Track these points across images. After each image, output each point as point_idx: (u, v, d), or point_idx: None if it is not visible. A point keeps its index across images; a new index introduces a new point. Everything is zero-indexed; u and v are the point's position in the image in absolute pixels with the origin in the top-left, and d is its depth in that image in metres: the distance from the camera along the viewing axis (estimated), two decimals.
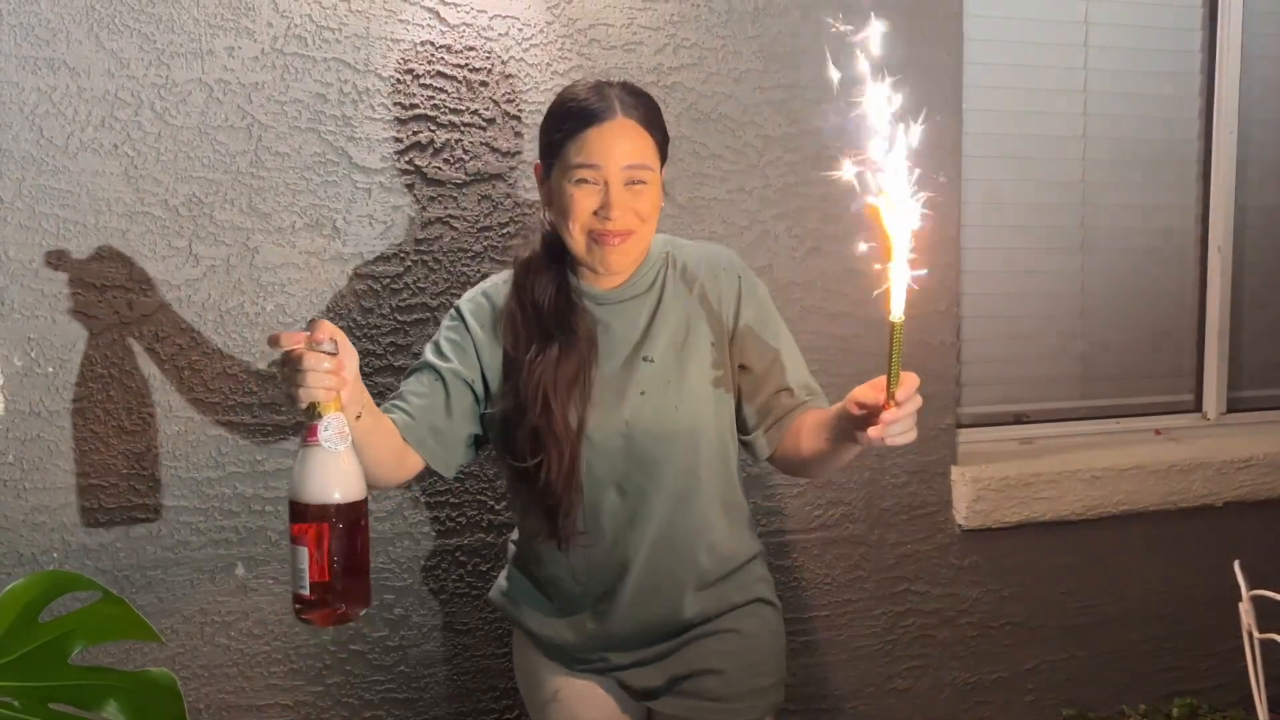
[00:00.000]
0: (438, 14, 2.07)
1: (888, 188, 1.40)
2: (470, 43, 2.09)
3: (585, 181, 1.58)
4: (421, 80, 2.07)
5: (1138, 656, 2.79)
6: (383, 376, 2.10)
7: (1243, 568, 1.96)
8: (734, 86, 2.27)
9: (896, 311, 1.37)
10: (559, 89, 2.12)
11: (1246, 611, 1.93)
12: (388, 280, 2.09)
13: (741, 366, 1.72)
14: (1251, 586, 1.93)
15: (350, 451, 1.37)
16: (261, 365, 2.04)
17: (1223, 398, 2.94)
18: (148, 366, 1.99)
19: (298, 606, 1.38)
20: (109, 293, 1.95)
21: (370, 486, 1.45)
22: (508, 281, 1.71)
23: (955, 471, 2.55)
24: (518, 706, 2.23)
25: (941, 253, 2.47)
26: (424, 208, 2.10)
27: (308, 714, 2.13)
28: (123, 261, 1.96)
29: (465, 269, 2.13)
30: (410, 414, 1.63)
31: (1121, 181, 2.83)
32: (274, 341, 1.37)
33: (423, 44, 2.07)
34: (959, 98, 2.46)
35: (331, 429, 1.35)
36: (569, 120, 1.60)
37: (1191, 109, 2.87)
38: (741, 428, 1.74)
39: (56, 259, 1.92)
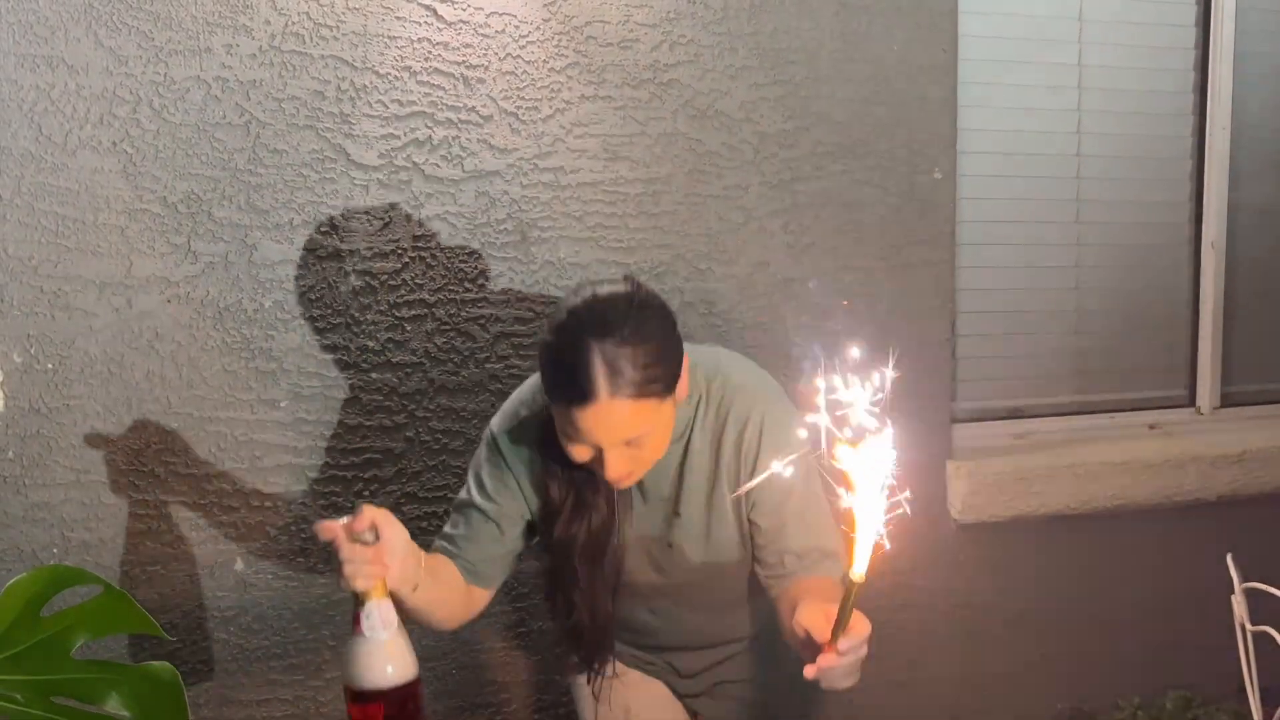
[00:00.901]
0: (435, 11, 2.08)
1: (866, 470, 1.23)
2: (467, 40, 2.10)
3: (580, 441, 1.47)
4: (419, 77, 2.08)
5: (1132, 650, 2.80)
6: (380, 373, 2.11)
7: (1235, 561, 1.98)
8: (730, 83, 2.28)
9: (859, 570, 1.24)
10: (556, 86, 2.15)
11: (1239, 604, 1.95)
12: (385, 277, 2.10)
13: (753, 520, 1.64)
14: (1244, 580, 1.95)
15: (396, 635, 1.36)
16: (260, 362, 2.05)
17: (1216, 392, 2.96)
18: (147, 363, 2.00)
19: None
20: (108, 289, 1.96)
21: (444, 630, 1.60)
22: (546, 407, 1.55)
23: (950, 466, 2.56)
24: (515, 700, 2.25)
25: (936, 248, 2.48)
26: (421, 204, 2.11)
27: (307, 708, 2.14)
28: (121, 258, 1.96)
29: (463, 265, 2.14)
30: (466, 558, 1.64)
31: (1116, 177, 2.84)
32: (317, 530, 1.37)
33: (420, 41, 2.08)
34: (954, 94, 2.47)
35: (374, 616, 1.35)
36: (553, 390, 1.46)
37: (1185, 105, 2.88)
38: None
39: (55, 256, 1.93)
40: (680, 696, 1.88)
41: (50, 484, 1.97)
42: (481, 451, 1.67)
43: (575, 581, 1.64)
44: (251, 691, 2.11)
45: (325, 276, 2.07)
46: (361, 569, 1.33)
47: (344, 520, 1.35)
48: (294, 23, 2.01)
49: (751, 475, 1.59)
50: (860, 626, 1.31)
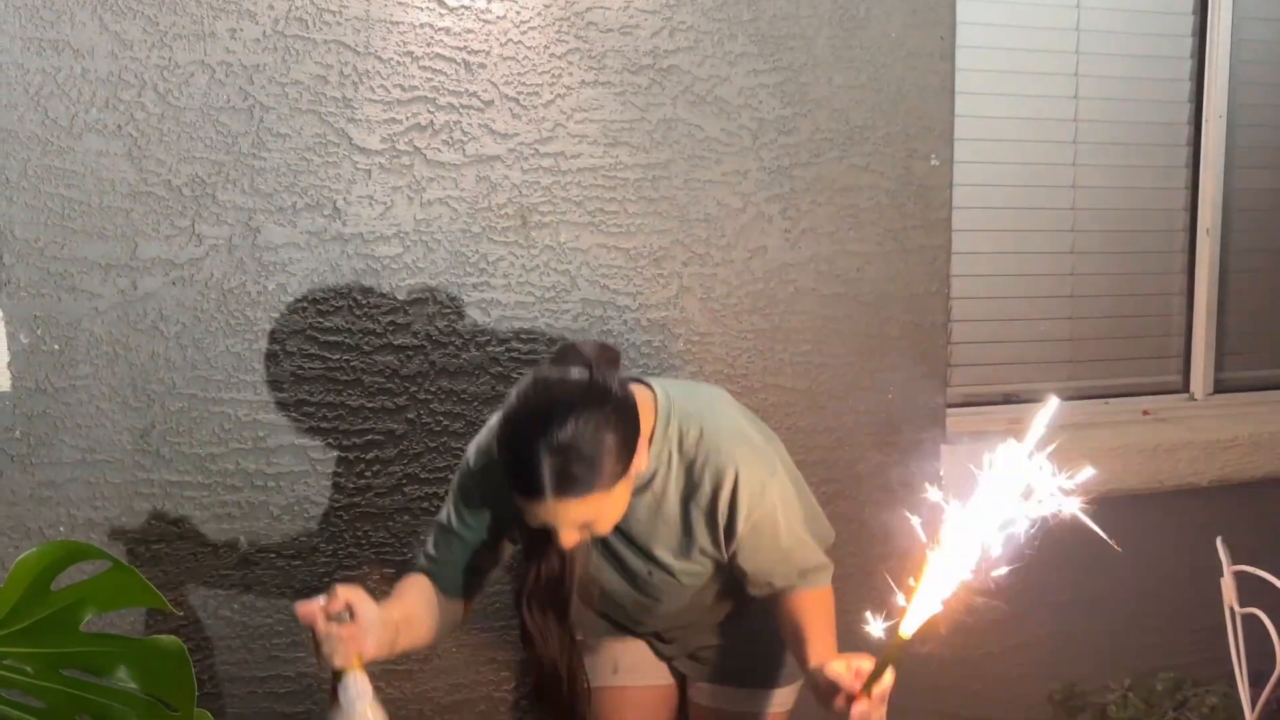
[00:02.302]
0: None
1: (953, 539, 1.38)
2: (469, 25, 2.12)
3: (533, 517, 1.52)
4: (421, 62, 2.10)
5: (1123, 633, 2.83)
6: (382, 355, 2.13)
7: (1226, 545, 2.00)
8: (729, 69, 2.30)
9: (908, 629, 1.35)
10: (557, 71, 2.17)
11: (1228, 587, 1.98)
12: (387, 260, 2.13)
13: (735, 564, 1.70)
14: (1234, 564, 1.98)
15: (371, 705, 1.44)
16: (263, 344, 2.07)
17: (1210, 379, 2.98)
18: (151, 344, 2.02)
19: None
20: (113, 271, 1.98)
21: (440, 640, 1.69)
22: None
23: (945, 450, 2.59)
24: (514, 677, 2.28)
25: (932, 234, 2.50)
26: (423, 189, 2.13)
27: (309, 685, 2.17)
28: (127, 241, 1.99)
29: (464, 249, 2.16)
30: (446, 576, 1.70)
31: (1112, 164, 2.87)
32: (296, 612, 1.45)
33: (422, 26, 2.09)
34: (952, 80, 2.49)
35: (351, 689, 1.43)
36: (506, 474, 1.50)
37: (1182, 93, 2.90)
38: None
39: (61, 238, 1.95)
40: (662, 658, 1.95)
41: (56, 463, 2.00)
42: (458, 477, 1.72)
43: (525, 632, 1.69)
44: (254, 668, 2.14)
45: (328, 259, 2.09)
46: (338, 647, 1.42)
47: (320, 600, 1.43)
48: (297, 7, 2.02)
49: (729, 533, 1.65)
50: (888, 676, 1.41)
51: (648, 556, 1.70)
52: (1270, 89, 2.97)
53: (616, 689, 1.92)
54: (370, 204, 2.10)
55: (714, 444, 1.63)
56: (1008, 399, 2.84)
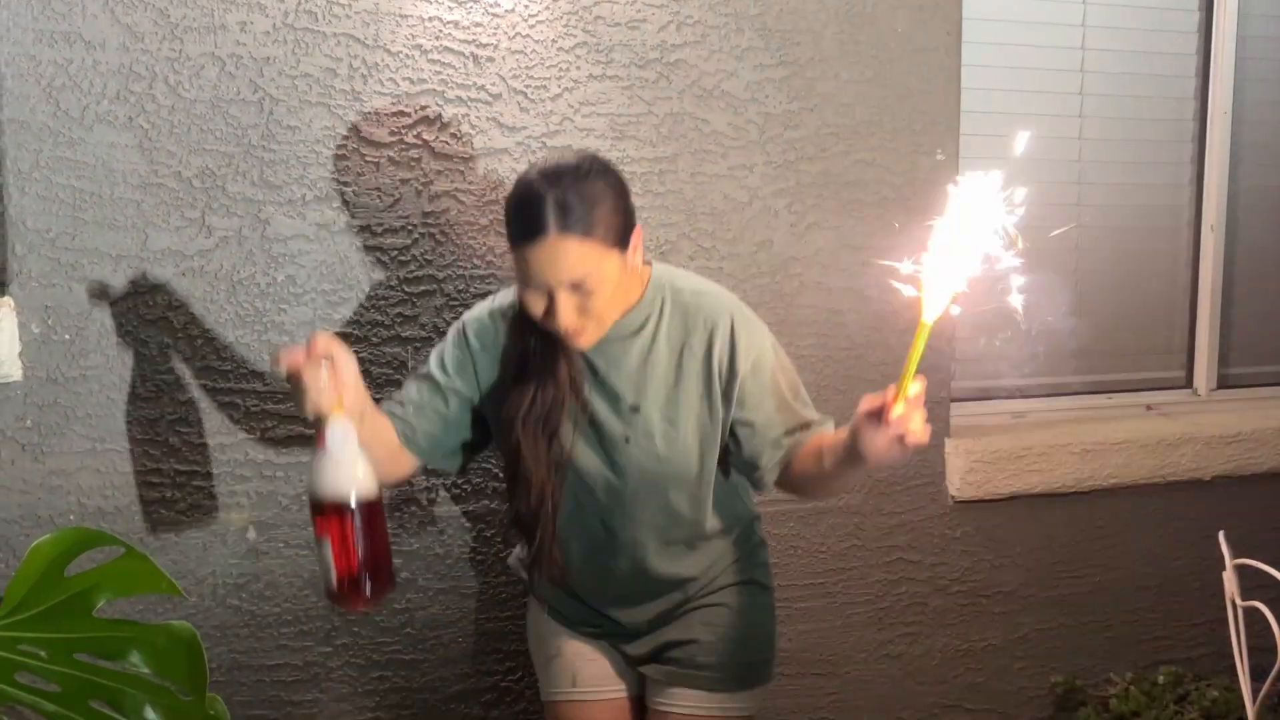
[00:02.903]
0: None
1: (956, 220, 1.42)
2: (477, 19, 2.13)
3: (532, 287, 1.58)
4: (429, 55, 2.11)
5: (1125, 626, 2.85)
6: (390, 346, 2.15)
7: (1227, 540, 2.01)
8: (736, 64, 2.31)
9: (930, 315, 1.38)
10: (564, 65, 2.18)
11: (1230, 580, 1.99)
12: (395, 252, 2.14)
13: (740, 420, 1.71)
14: (1235, 557, 1.99)
15: (359, 451, 1.48)
16: (272, 335, 2.09)
17: (1213, 374, 2.99)
18: (161, 335, 2.03)
19: (329, 598, 1.52)
20: (124, 262, 2.00)
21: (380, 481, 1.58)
22: (514, 305, 1.72)
23: (949, 444, 2.60)
24: (521, 668, 2.29)
25: None
26: (431, 181, 2.14)
27: (317, 674, 2.19)
28: (137, 232, 2.00)
29: (471, 242, 2.17)
30: (409, 421, 1.72)
31: (1117, 160, 2.87)
32: (275, 361, 1.48)
33: (430, 19, 2.11)
34: (958, 75, 2.50)
35: (338, 430, 1.46)
36: (510, 227, 1.59)
37: (1187, 89, 2.91)
38: (743, 468, 1.77)
39: (73, 229, 1.97)
40: (628, 661, 1.88)
41: (67, 452, 2.01)
42: (448, 337, 1.78)
43: (520, 455, 1.68)
44: (262, 656, 2.16)
45: (336, 251, 2.11)
46: (323, 391, 1.45)
47: (301, 347, 1.48)
48: (307, 1, 2.04)
49: (732, 373, 1.68)
50: (917, 384, 1.43)
51: (631, 410, 1.68)
52: (1275, 86, 2.97)
53: (574, 703, 1.88)
54: (379, 196, 2.12)
55: (709, 299, 1.72)
56: (1012, 393, 2.85)
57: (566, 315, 1.57)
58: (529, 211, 1.54)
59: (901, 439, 1.43)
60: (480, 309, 1.78)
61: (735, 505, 1.83)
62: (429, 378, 1.75)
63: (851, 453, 1.52)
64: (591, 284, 1.56)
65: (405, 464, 1.73)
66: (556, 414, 1.68)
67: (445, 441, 1.75)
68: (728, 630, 1.82)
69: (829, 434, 1.67)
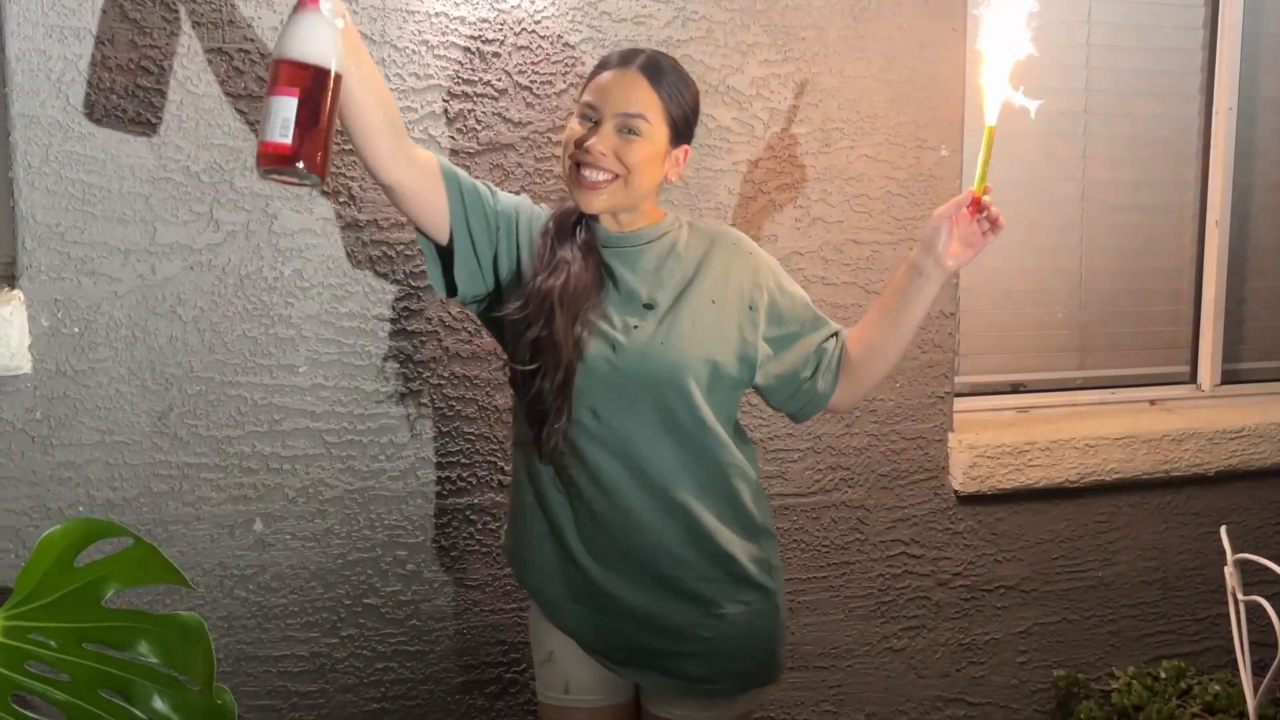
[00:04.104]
0: None
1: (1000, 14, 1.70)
2: (483, 15, 2.14)
3: (585, 117, 1.68)
4: (436, 51, 2.12)
5: (1127, 620, 2.86)
6: (396, 340, 2.16)
7: (1230, 535, 2.02)
8: (741, 59, 2.32)
9: (990, 117, 1.71)
10: (570, 60, 2.20)
11: (1231, 575, 2.00)
12: (401, 247, 2.15)
13: (782, 336, 1.79)
14: (1238, 552, 2.00)
15: (345, 31, 1.45)
16: (279, 329, 2.10)
17: (1218, 370, 3.00)
18: (170, 328, 2.05)
19: (271, 156, 1.41)
20: (132, 256, 2.01)
21: (365, 147, 1.58)
22: (560, 213, 1.79)
23: (952, 439, 2.61)
24: (525, 660, 2.31)
25: None
26: None
27: (322, 665, 2.21)
28: (146, 226, 2.02)
29: None
30: (448, 168, 1.69)
31: (1122, 156, 2.88)
32: None
33: (436, 15, 2.12)
34: (962, 71, 2.50)
35: (331, 2, 1.43)
36: (594, 69, 1.73)
37: (1192, 85, 2.91)
38: (791, 383, 1.81)
39: (82, 223, 1.98)
40: (614, 665, 1.80)
41: (76, 444, 2.03)
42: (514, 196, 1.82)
43: (550, 331, 1.65)
44: (269, 648, 2.18)
45: (343, 246, 2.12)
46: None
47: None
48: None
49: (758, 287, 1.77)
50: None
51: (645, 307, 1.70)
52: None
53: (566, 709, 1.84)
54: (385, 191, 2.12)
55: (726, 227, 1.87)
56: (1015, 388, 2.86)
57: (603, 141, 1.65)
58: (623, 53, 1.71)
59: (993, 221, 1.75)
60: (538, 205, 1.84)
61: (744, 451, 1.80)
62: (483, 183, 1.75)
63: (917, 287, 1.75)
64: (639, 128, 1.65)
65: (421, 160, 1.66)
66: (590, 293, 1.69)
67: (475, 209, 1.71)
68: (725, 641, 1.75)
69: (871, 311, 1.83)
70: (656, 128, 1.67)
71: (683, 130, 1.73)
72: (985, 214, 1.74)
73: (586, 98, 1.69)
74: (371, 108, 1.54)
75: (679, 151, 1.74)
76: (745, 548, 1.77)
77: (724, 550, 1.74)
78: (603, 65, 1.72)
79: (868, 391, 1.91)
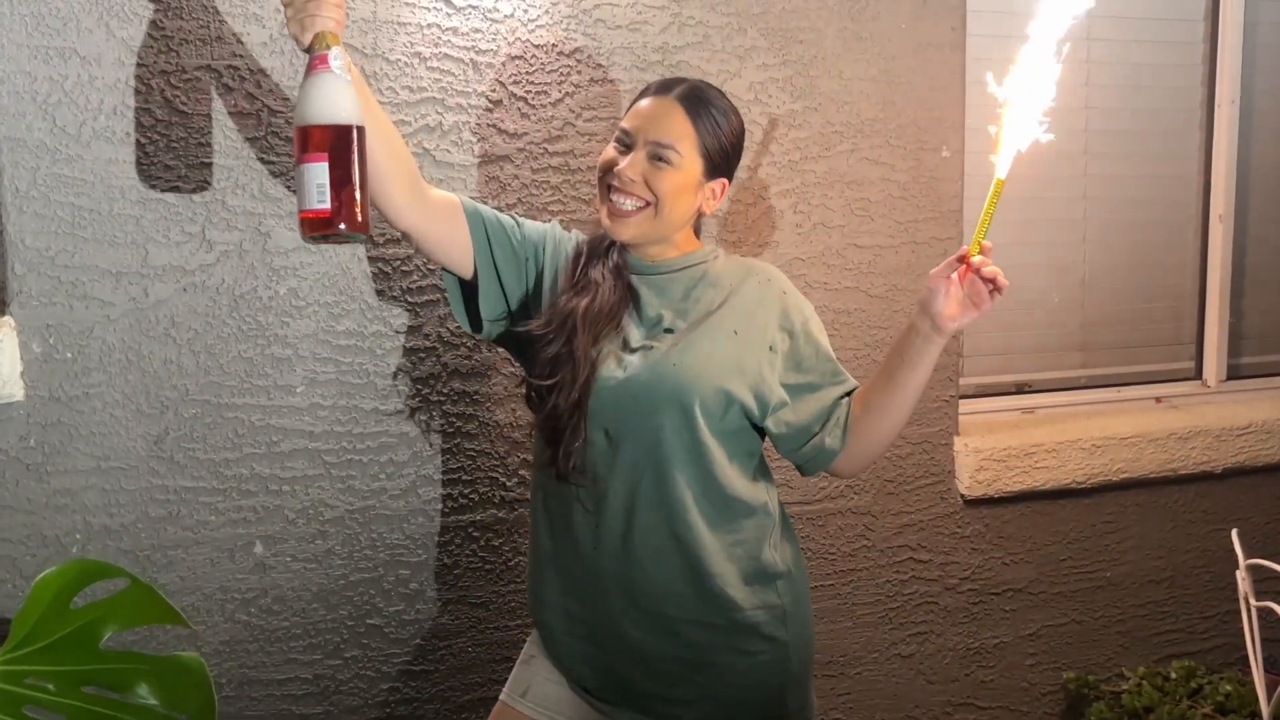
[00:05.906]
0: None
1: (1027, 68, 1.70)
2: (476, 25, 2.10)
3: (620, 142, 1.67)
4: (429, 63, 2.09)
5: (1136, 621, 2.84)
6: (394, 358, 2.13)
7: (1239, 534, 2.01)
8: (739, 64, 2.29)
9: (1002, 170, 1.60)
10: (565, 70, 2.16)
11: (1243, 580, 1.99)
12: (398, 262, 2.12)
13: (799, 385, 1.71)
14: (1248, 555, 1.98)
15: (355, 82, 1.46)
16: (275, 348, 2.07)
17: (1223, 365, 2.98)
18: (164, 351, 2.02)
19: (313, 223, 1.44)
20: (124, 279, 1.98)
21: (383, 193, 1.57)
22: (591, 237, 1.79)
23: (958, 442, 2.59)
24: None
25: (943, 226, 2.49)
26: None
27: (326, 687, 2.19)
28: (137, 248, 1.98)
29: None
30: (468, 203, 1.70)
31: (1124, 152, 2.85)
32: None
33: (429, 27, 2.08)
34: (962, 72, 2.47)
35: (340, 58, 1.44)
36: (638, 94, 1.72)
37: (1194, 78, 2.88)
38: (803, 435, 1.71)
39: (72, 246, 1.95)
40: (608, 706, 1.76)
41: (71, 471, 2.00)
42: (542, 222, 1.82)
43: (571, 348, 1.64)
44: (271, 671, 2.16)
45: (338, 263, 2.09)
46: (327, 8, 1.44)
47: None
48: None
49: (784, 326, 1.72)
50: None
51: (665, 331, 1.68)
52: None
53: (515, 711, 1.81)
54: None
55: (762, 263, 1.81)
56: (1020, 388, 2.84)
57: (632, 167, 1.63)
58: (666, 81, 1.70)
59: (993, 283, 1.60)
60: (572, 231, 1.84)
61: (767, 491, 1.75)
62: (508, 214, 1.76)
63: (915, 349, 1.64)
64: (669, 158, 1.63)
65: (435, 201, 1.66)
66: (613, 317, 1.68)
67: (501, 244, 1.71)
68: (722, 690, 1.69)
69: (877, 371, 1.74)
70: (688, 159, 1.65)
71: (719, 164, 1.70)
72: (980, 274, 1.61)
73: (624, 123, 1.68)
74: (383, 156, 1.53)
75: (715, 184, 1.71)
76: (753, 593, 1.69)
77: (724, 593, 1.66)
78: (645, 91, 1.71)
79: (874, 455, 1.76)
